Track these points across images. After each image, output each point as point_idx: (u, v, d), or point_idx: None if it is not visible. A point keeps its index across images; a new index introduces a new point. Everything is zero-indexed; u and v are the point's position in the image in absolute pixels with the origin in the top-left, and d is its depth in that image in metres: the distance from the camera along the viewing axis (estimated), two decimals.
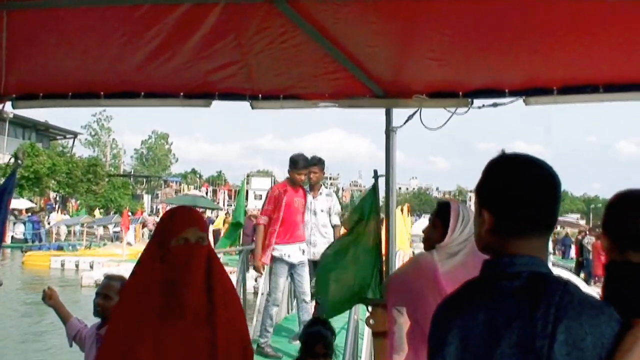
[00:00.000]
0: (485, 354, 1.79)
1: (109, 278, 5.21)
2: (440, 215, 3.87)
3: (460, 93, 4.52)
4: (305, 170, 9.40)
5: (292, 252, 9.11)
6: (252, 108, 4.90)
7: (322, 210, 9.77)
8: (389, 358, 4.20)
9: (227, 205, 74.73)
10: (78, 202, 60.39)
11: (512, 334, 1.76)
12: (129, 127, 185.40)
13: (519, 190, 1.91)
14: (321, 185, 10.07)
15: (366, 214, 4.68)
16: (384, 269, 4.76)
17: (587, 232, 34.24)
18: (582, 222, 68.03)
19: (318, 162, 9.72)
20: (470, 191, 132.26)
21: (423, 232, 4.00)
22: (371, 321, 4.50)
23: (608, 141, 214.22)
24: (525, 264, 1.87)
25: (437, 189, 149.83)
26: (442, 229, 3.85)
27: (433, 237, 3.86)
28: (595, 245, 29.49)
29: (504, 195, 1.94)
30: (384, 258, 4.81)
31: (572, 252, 37.21)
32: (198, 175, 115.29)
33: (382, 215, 5.10)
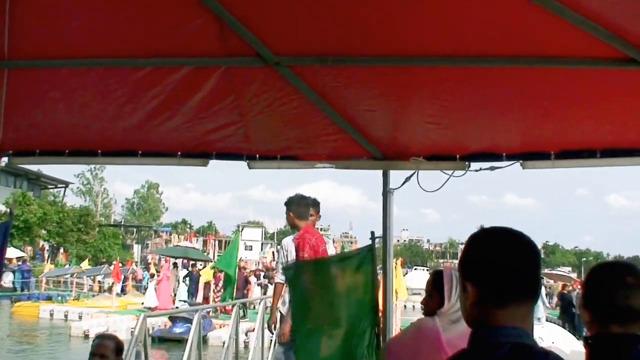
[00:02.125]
0: None
1: (102, 337, 5.14)
2: (435, 284, 3.89)
3: (458, 156, 4.54)
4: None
5: None
6: (250, 168, 4.91)
7: None
8: None
9: (218, 255, 74.37)
10: (67, 252, 59.98)
11: None
12: (121, 176, 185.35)
13: (500, 261, 1.93)
14: None
15: (362, 270, 4.68)
16: (381, 327, 4.74)
17: (572, 288, 34.17)
18: (574, 275, 67.92)
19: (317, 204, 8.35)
20: (462, 243, 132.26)
21: (422, 303, 4.01)
22: None
23: (599, 194, 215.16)
24: (508, 335, 1.87)
25: (428, 240, 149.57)
26: (439, 297, 3.86)
27: (431, 306, 3.87)
28: None
29: (485, 267, 1.95)
30: (381, 317, 4.78)
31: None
32: (188, 226, 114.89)
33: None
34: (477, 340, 1.95)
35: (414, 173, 4.69)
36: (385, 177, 4.88)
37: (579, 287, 33.07)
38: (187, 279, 35.83)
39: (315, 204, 8.01)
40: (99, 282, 46.40)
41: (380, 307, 4.88)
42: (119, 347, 5.09)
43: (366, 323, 4.66)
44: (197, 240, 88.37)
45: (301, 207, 7.36)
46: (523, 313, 1.93)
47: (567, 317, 31.24)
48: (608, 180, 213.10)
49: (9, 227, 5.19)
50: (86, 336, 25.63)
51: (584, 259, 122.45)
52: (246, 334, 15.88)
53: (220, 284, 32.64)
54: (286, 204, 7.53)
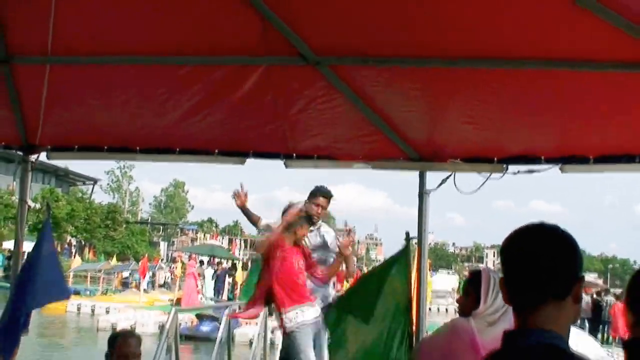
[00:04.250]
0: None
1: (126, 336, 5.14)
2: (472, 283, 3.86)
3: (495, 159, 4.52)
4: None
5: None
6: (286, 167, 4.93)
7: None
8: None
9: (243, 254, 74.57)
10: (94, 248, 60.49)
11: None
12: (147, 174, 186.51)
13: (528, 261, 1.90)
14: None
15: (398, 274, 4.68)
16: (414, 329, 4.73)
17: (604, 292, 33.81)
18: (600, 282, 67.29)
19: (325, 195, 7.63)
20: (487, 248, 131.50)
21: (457, 301, 3.99)
22: None
23: (625, 202, 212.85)
24: (536, 337, 1.86)
25: (453, 244, 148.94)
26: (475, 297, 3.84)
27: (467, 305, 3.85)
28: (615, 307, 29.11)
29: (514, 267, 1.94)
30: (414, 319, 4.77)
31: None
32: (214, 224, 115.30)
33: None
34: (509, 341, 1.94)
35: (451, 175, 4.67)
36: (422, 178, 4.87)
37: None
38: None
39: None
40: (124, 278, 46.73)
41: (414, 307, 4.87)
42: (140, 342, 5.13)
43: (399, 323, 4.66)
44: (223, 238, 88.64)
45: None
46: (556, 313, 1.90)
47: (595, 324, 30.96)
48: (636, 188, 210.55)
49: (49, 224, 5.26)
50: (114, 329, 25.88)
51: (610, 265, 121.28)
52: (272, 332, 15.85)
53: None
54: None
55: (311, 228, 7.36)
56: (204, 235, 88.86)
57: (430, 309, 35.99)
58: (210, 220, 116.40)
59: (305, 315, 5.98)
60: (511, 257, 1.96)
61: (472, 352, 3.65)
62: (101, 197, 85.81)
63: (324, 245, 7.37)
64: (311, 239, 7.32)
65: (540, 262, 1.89)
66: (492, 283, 3.82)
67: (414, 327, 4.76)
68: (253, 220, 7.21)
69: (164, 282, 44.98)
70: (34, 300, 4.91)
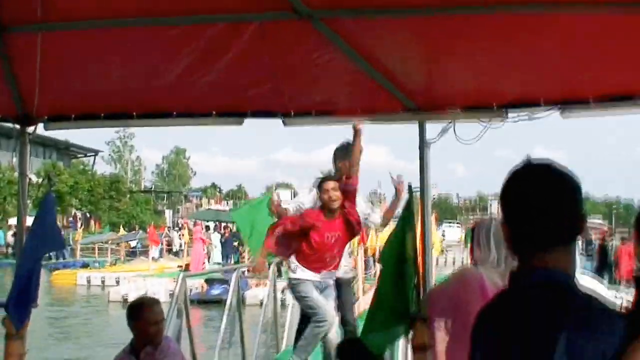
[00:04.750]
0: None
1: (150, 303, 5.19)
2: (473, 235, 3.93)
3: (495, 105, 4.48)
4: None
5: None
6: (285, 125, 4.90)
7: None
8: None
9: None
10: (99, 220, 60.68)
11: (521, 344, 1.77)
12: (147, 142, 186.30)
13: (533, 202, 1.86)
14: None
15: (405, 227, 4.68)
16: (422, 282, 4.74)
17: (608, 235, 33.98)
18: (605, 225, 67.63)
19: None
20: (491, 197, 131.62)
21: (470, 252, 4.04)
22: (410, 335, 4.49)
23: (628, 143, 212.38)
24: (542, 276, 1.84)
25: (457, 195, 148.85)
26: (479, 248, 3.90)
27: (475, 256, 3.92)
28: (620, 249, 29.27)
29: (518, 207, 1.91)
30: (420, 271, 4.78)
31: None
32: (218, 190, 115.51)
33: None
34: (515, 280, 1.93)
35: (450, 124, 4.64)
36: (422, 129, 4.83)
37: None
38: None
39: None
40: (132, 247, 46.94)
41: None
42: (161, 306, 5.19)
43: (408, 276, 4.67)
44: (228, 203, 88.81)
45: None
46: (560, 255, 1.87)
47: (601, 267, 31.15)
48: (637, 129, 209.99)
49: (51, 195, 5.24)
50: (125, 301, 26.03)
51: (614, 208, 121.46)
52: (282, 292, 15.99)
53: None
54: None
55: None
56: (208, 201, 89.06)
57: (438, 260, 36.17)
58: (213, 186, 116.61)
59: (306, 275, 6.17)
60: (515, 201, 1.92)
61: (482, 300, 3.66)
62: (103, 168, 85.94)
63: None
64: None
65: (547, 205, 1.86)
66: (492, 233, 3.85)
67: (420, 278, 4.77)
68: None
69: (181, 248, 45.02)
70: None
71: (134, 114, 5.05)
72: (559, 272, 1.85)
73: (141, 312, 5.04)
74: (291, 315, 11.76)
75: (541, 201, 1.86)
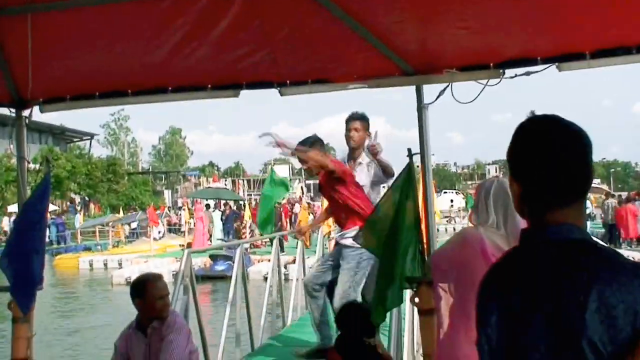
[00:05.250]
0: (523, 323, 1.75)
1: (156, 279, 5.23)
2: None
3: (491, 64, 4.45)
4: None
5: None
6: (281, 95, 4.86)
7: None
8: (436, 334, 4.20)
9: (247, 194, 74.86)
10: (99, 203, 60.71)
11: (546, 303, 1.71)
12: (142, 124, 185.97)
13: (545, 157, 1.82)
14: (362, 151, 7.68)
15: (404, 193, 4.66)
16: (426, 246, 4.74)
17: (606, 197, 34.05)
18: (604, 187, 67.83)
19: (361, 118, 7.60)
20: (488, 164, 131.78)
21: (469, 218, 4.06)
22: (416, 299, 4.50)
23: (624, 104, 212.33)
24: (559, 232, 1.80)
25: (455, 164, 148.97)
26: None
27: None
28: (619, 210, 29.35)
29: (529, 163, 1.86)
30: (424, 235, 4.78)
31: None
32: (215, 168, 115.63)
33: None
34: (528, 238, 1.89)
35: (448, 86, 4.61)
36: (419, 92, 4.79)
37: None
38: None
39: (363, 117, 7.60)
40: (132, 229, 47.00)
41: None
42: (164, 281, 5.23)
43: (410, 240, 4.66)
44: (226, 181, 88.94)
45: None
46: (572, 211, 1.83)
47: (606, 228, 31.29)
48: (633, 89, 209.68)
49: (49, 179, 5.22)
50: (128, 283, 26.05)
51: (612, 170, 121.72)
52: (285, 267, 16.08)
53: (247, 222, 33.34)
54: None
55: (360, 161, 7.59)
56: (207, 179, 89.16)
57: (438, 229, 36.24)
58: (211, 164, 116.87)
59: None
60: (526, 156, 1.87)
61: (483, 260, 3.67)
62: (99, 151, 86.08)
63: (380, 175, 7.48)
64: (363, 175, 7.47)
65: (561, 159, 1.82)
66: (491, 194, 3.85)
67: (424, 243, 4.76)
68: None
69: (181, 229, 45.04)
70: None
71: (129, 91, 5.02)
72: (575, 227, 1.81)
73: (145, 288, 5.07)
74: (296, 290, 11.84)
75: (555, 154, 1.82)
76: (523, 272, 1.82)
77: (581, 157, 1.84)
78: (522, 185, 1.88)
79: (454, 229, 44.45)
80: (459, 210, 58.55)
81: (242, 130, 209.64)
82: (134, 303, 5.12)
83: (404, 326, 6.80)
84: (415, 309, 4.85)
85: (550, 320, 1.70)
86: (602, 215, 32.90)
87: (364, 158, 7.54)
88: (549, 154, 1.82)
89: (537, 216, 1.85)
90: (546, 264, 1.77)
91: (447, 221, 54.06)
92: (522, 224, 3.74)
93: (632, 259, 2.08)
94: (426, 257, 4.63)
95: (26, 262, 4.71)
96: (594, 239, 1.89)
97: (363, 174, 7.45)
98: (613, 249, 1.81)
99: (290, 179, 78.06)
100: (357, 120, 7.50)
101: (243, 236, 32.09)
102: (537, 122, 1.90)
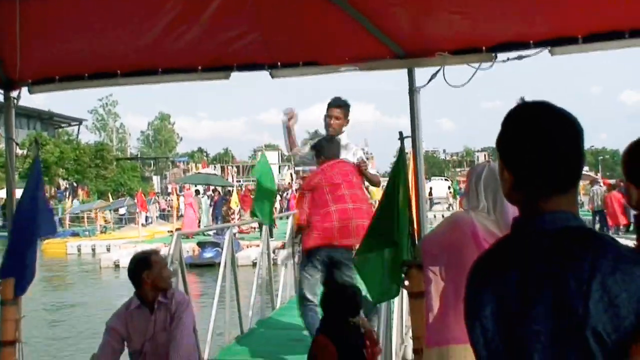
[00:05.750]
0: (521, 314, 1.73)
1: (154, 251, 5.30)
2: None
3: (484, 48, 4.44)
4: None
5: None
6: (272, 77, 4.84)
7: None
8: (425, 317, 4.21)
9: (237, 181, 74.76)
10: (88, 188, 60.49)
11: (546, 294, 1.69)
12: (131, 109, 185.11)
13: (537, 143, 1.79)
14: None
15: (396, 175, 4.64)
16: (416, 229, 4.73)
17: (592, 184, 34.14)
18: (592, 174, 68.02)
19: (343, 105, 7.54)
20: (478, 151, 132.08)
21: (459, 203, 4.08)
22: (406, 282, 4.50)
23: (613, 91, 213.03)
24: (553, 220, 1.77)
25: (444, 151, 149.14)
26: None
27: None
28: (605, 198, 29.45)
29: (521, 150, 1.82)
30: (415, 219, 4.77)
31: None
32: (205, 154, 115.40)
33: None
34: (521, 227, 1.86)
35: (440, 69, 4.60)
36: (411, 75, 4.78)
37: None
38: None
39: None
40: (121, 214, 46.89)
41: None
42: None
43: (402, 223, 4.65)
44: (215, 167, 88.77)
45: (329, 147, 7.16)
46: (566, 199, 1.81)
47: (593, 215, 31.37)
48: (621, 76, 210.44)
49: (38, 162, 5.19)
50: (116, 266, 26.18)
51: (601, 157, 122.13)
52: (274, 252, 16.07)
53: (235, 208, 33.33)
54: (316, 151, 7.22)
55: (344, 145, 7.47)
56: (195, 165, 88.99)
57: (427, 216, 36.30)
58: (200, 150, 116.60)
59: None
60: (518, 143, 1.84)
61: (474, 243, 3.68)
62: (88, 137, 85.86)
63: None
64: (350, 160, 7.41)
65: (555, 145, 1.79)
66: (481, 179, 3.85)
67: (415, 226, 4.76)
68: (291, 141, 7.48)
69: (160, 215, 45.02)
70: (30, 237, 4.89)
71: (119, 72, 4.98)
72: (570, 214, 1.79)
73: (150, 259, 5.07)
74: (285, 275, 11.86)
75: (547, 140, 1.79)
76: (519, 262, 1.79)
77: (573, 143, 1.81)
78: (514, 173, 1.84)
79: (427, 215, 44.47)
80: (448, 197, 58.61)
81: (232, 116, 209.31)
82: (138, 279, 5.04)
83: (394, 308, 6.82)
84: (405, 292, 4.85)
85: (552, 310, 1.68)
86: (589, 202, 32.99)
87: (344, 139, 7.52)
88: (541, 140, 1.79)
89: (530, 204, 1.82)
90: (543, 253, 1.74)
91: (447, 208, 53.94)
92: (511, 210, 3.76)
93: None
94: (416, 241, 4.63)
95: (27, 247, 4.74)
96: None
97: (352, 158, 7.43)
98: (610, 236, 1.77)
99: (280, 166, 78.04)
100: (338, 107, 7.50)
101: (231, 222, 32.09)
102: (528, 108, 1.88)
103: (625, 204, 28.46)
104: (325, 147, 7.11)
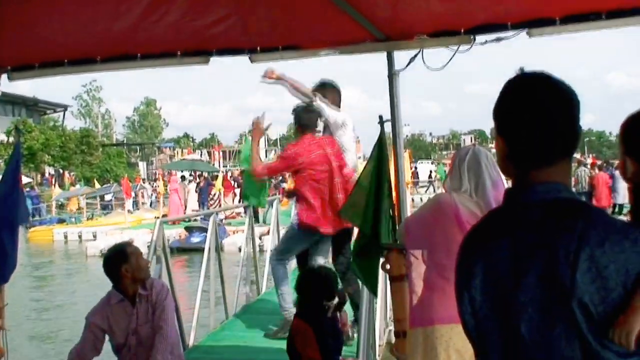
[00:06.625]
0: (511, 285, 1.74)
1: (128, 243, 5.29)
2: None
3: (462, 30, 4.44)
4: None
5: None
6: (252, 62, 4.83)
7: None
8: (407, 300, 4.23)
9: (223, 166, 74.54)
10: (73, 174, 60.16)
11: (536, 264, 1.69)
12: (116, 95, 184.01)
13: (533, 112, 1.78)
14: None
15: (377, 161, 4.65)
16: (397, 213, 4.75)
17: (578, 164, 34.23)
18: (578, 155, 68.27)
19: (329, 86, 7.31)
20: (464, 134, 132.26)
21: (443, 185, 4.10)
22: (387, 266, 4.51)
23: (598, 73, 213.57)
24: (545, 192, 1.77)
25: (430, 134, 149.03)
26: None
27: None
28: (595, 178, 29.54)
29: (516, 119, 1.82)
30: (395, 202, 4.79)
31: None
32: (191, 139, 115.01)
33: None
34: (513, 197, 1.86)
35: (419, 52, 4.60)
36: (390, 59, 4.79)
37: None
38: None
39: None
40: (107, 200, 46.70)
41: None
42: None
43: (382, 207, 4.67)
44: (202, 153, 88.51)
45: (308, 116, 7.00)
46: (559, 169, 1.81)
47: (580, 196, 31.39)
48: (606, 58, 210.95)
49: (19, 148, 5.17)
50: (102, 255, 25.96)
51: (587, 138, 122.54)
52: (260, 238, 16.07)
53: (215, 193, 33.25)
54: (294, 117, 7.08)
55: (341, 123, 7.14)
56: (182, 151, 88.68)
57: (413, 199, 36.35)
58: (186, 136, 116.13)
59: None
60: (515, 112, 1.83)
61: (456, 224, 3.70)
62: (73, 123, 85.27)
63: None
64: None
65: (551, 114, 1.79)
66: (465, 162, 3.86)
67: (396, 210, 4.78)
68: (303, 91, 6.94)
69: (150, 203, 44.90)
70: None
71: (98, 58, 4.96)
72: (562, 185, 1.79)
73: (126, 251, 5.04)
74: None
75: (543, 110, 1.78)
76: (510, 233, 1.79)
77: (569, 114, 1.81)
78: (508, 143, 1.85)
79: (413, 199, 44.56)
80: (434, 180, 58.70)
81: (218, 101, 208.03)
82: (117, 273, 5.00)
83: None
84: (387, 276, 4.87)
85: (541, 281, 1.68)
86: (574, 184, 33.06)
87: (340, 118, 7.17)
88: (537, 109, 1.79)
89: (522, 175, 1.83)
90: (534, 224, 1.74)
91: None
92: (493, 192, 3.77)
93: None
94: (397, 225, 4.65)
95: (8, 236, 4.73)
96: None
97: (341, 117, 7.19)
98: (601, 208, 1.79)
99: (266, 150, 77.90)
100: (323, 88, 7.18)
101: (210, 207, 32.08)
102: (526, 78, 1.87)
103: (611, 185, 28.72)
104: (303, 116, 6.98)
